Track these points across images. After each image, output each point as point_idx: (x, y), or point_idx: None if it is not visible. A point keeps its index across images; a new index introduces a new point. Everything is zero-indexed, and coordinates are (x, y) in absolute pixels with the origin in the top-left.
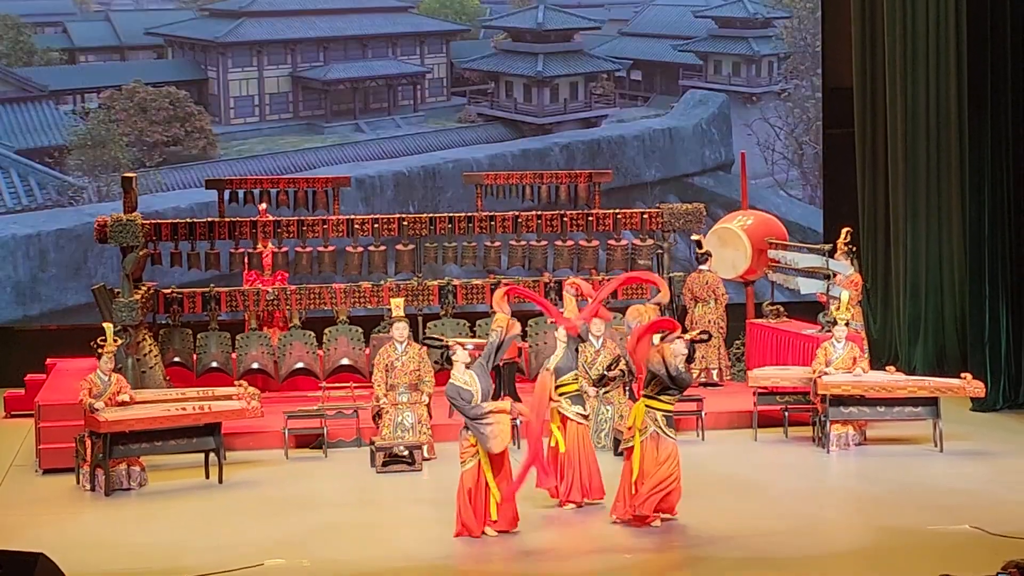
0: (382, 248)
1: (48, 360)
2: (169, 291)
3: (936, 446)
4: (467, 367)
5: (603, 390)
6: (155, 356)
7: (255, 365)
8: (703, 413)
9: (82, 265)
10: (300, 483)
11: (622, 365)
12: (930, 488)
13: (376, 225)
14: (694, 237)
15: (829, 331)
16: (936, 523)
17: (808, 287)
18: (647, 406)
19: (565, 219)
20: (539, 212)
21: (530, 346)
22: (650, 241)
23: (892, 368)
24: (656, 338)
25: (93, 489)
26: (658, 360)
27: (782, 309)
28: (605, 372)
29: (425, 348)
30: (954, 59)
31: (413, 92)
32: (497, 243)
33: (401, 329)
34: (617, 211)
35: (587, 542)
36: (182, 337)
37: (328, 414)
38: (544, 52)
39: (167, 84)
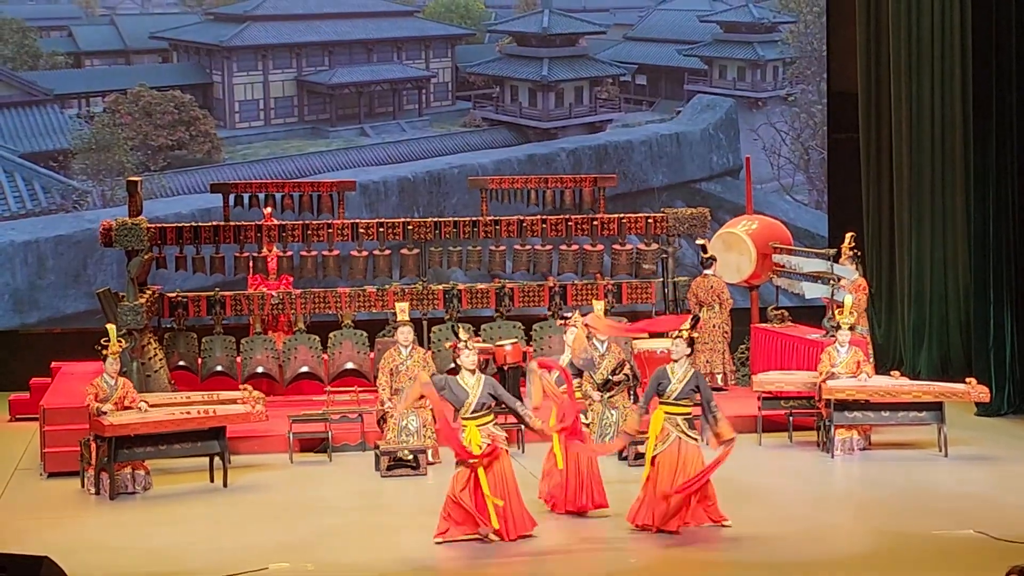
0: (387, 252)
1: (53, 364)
2: (174, 295)
3: (940, 451)
4: (473, 372)
5: (608, 394)
6: (160, 360)
7: (260, 369)
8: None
9: (81, 272)
10: (305, 487)
11: (627, 369)
12: (934, 493)
13: (381, 229)
14: (699, 241)
15: (833, 335)
16: (940, 528)
17: (813, 292)
18: (667, 413)
19: (570, 223)
20: (544, 216)
21: (535, 351)
22: (655, 245)
23: (897, 373)
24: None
25: (98, 493)
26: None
27: (786, 314)
28: (610, 376)
29: (430, 352)
30: (959, 64)
31: (418, 96)
32: (502, 247)
33: (406, 333)
34: (622, 215)
35: (592, 545)
36: (187, 341)
37: (333, 418)
38: (549, 56)
39: (172, 88)
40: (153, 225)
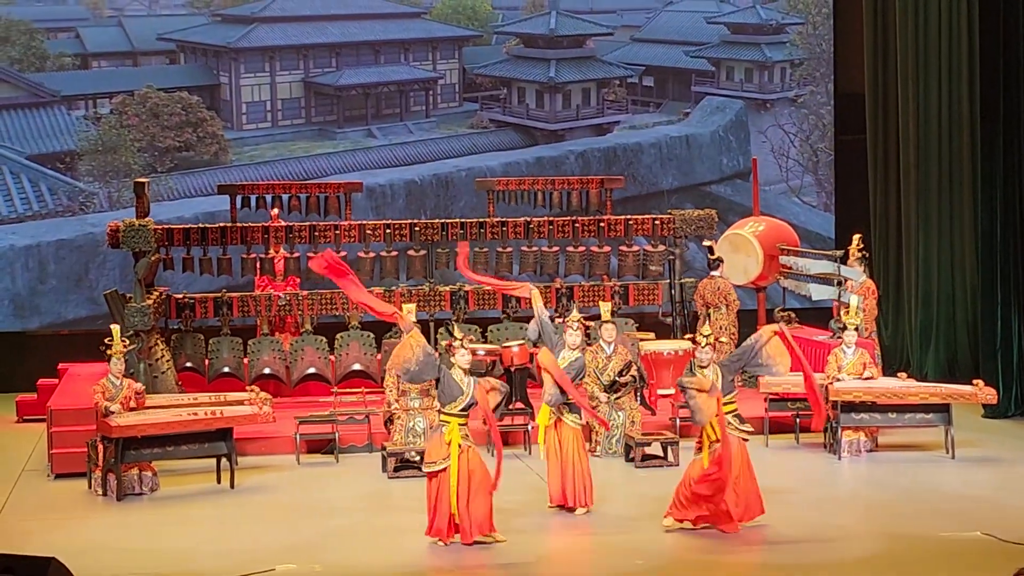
0: (394, 254)
1: (60, 365)
2: (181, 296)
3: (948, 453)
4: (466, 372)
5: (614, 396)
6: (167, 361)
7: (267, 370)
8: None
9: (83, 277)
10: (312, 488)
11: (633, 371)
12: (941, 495)
13: (388, 231)
14: (706, 243)
15: (840, 337)
16: (947, 530)
17: (820, 293)
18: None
19: (577, 225)
20: (551, 218)
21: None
22: (662, 247)
23: (904, 375)
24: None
25: (105, 494)
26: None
27: (793, 315)
28: (617, 378)
29: (436, 353)
30: (966, 65)
31: (425, 98)
32: (509, 249)
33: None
34: (629, 217)
35: (599, 547)
36: (194, 342)
37: (340, 419)
38: (556, 58)
39: (179, 89)
40: (160, 226)
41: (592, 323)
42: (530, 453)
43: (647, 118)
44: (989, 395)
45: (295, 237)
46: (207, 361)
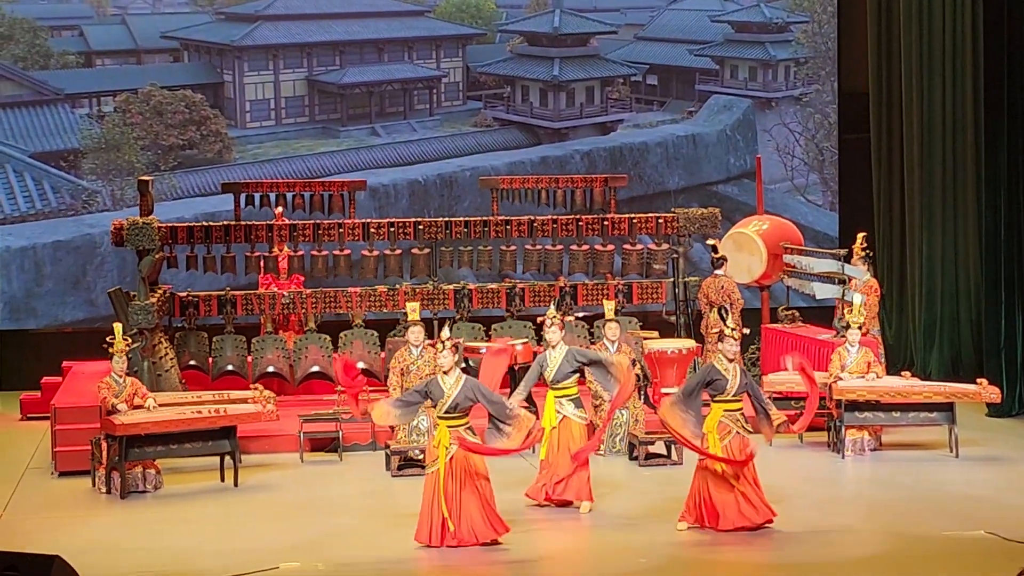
0: (398, 252)
1: (64, 363)
2: (185, 294)
3: (951, 452)
4: (447, 372)
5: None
6: (171, 359)
7: (271, 369)
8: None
9: (81, 279)
10: (315, 487)
11: (637, 369)
12: (945, 494)
13: (392, 229)
14: (709, 242)
15: (844, 336)
16: (951, 529)
17: (824, 292)
18: (726, 411)
19: (581, 223)
20: (555, 217)
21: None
22: (665, 245)
23: (907, 373)
24: None
25: (109, 492)
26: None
27: (797, 314)
28: None
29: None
30: (970, 63)
31: (429, 96)
32: (513, 247)
33: (416, 333)
34: (633, 215)
35: (602, 545)
36: (198, 340)
37: (343, 418)
38: (560, 56)
39: (183, 88)
40: (164, 224)
41: (596, 321)
42: (533, 451)
43: (651, 117)
44: (993, 394)
45: (299, 235)
46: (211, 359)
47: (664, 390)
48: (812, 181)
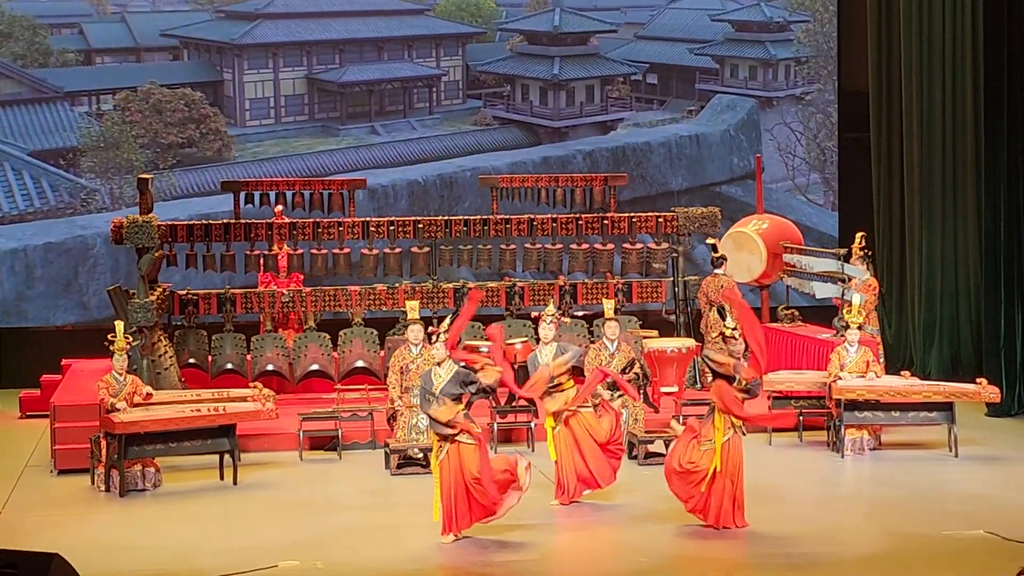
0: (397, 251)
1: (63, 361)
2: (184, 292)
3: (951, 451)
4: (440, 364)
5: (618, 393)
6: (170, 357)
7: (270, 367)
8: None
9: (72, 281)
10: (314, 485)
11: (637, 368)
12: (945, 493)
13: (391, 228)
14: (709, 241)
15: (843, 335)
16: (951, 528)
17: (824, 291)
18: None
19: (580, 222)
20: (554, 216)
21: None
22: (665, 244)
23: (907, 373)
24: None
25: (108, 490)
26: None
27: (797, 313)
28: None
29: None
30: (970, 63)
31: (429, 95)
32: (512, 246)
33: (416, 331)
34: (632, 214)
35: (602, 544)
36: (197, 338)
37: (343, 416)
38: (560, 55)
39: (182, 86)
40: (164, 223)
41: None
42: (533, 450)
43: (651, 116)
44: (992, 393)
45: (299, 234)
46: (210, 357)
47: (664, 389)
48: (813, 180)
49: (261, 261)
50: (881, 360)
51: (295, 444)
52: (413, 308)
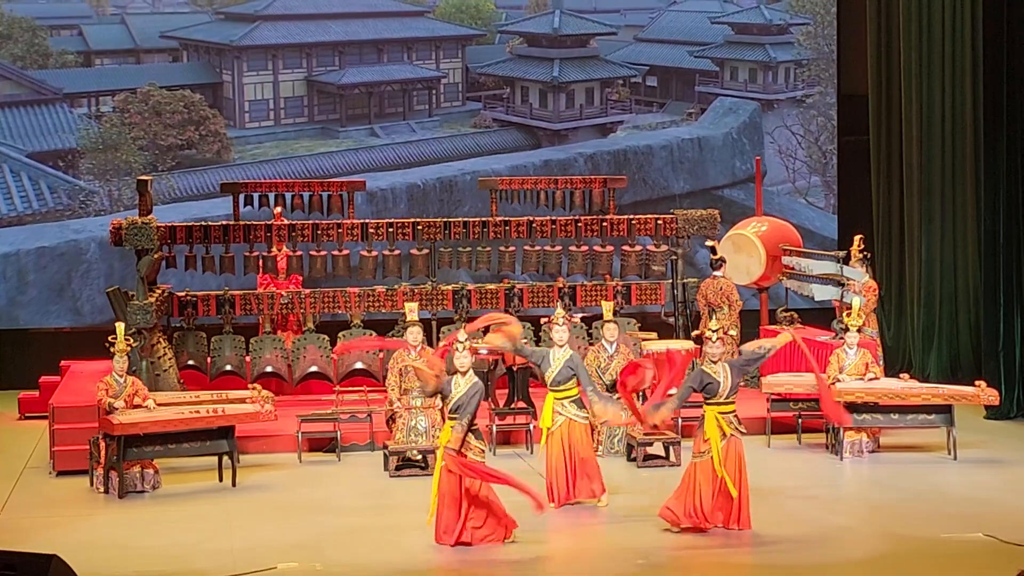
0: (396, 252)
1: (62, 362)
2: (184, 294)
3: (950, 454)
4: (464, 374)
5: (617, 395)
6: (169, 359)
7: (269, 369)
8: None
9: (66, 286)
10: (313, 487)
11: None
12: (944, 496)
13: (390, 229)
14: (708, 243)
15: (842, 338)
16: (949, 531)
17: (823, 294)
18: (720, 413)
19: (580, 224)
20: (553, 218)
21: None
22: (664, 247)
23: (906, 375)
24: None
25: (107, 491)
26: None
27: (796, 316)
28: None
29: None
30: (970, 66)
31: (428, 97)
32: (511, 248)
33: (415, 333)
34: (632, 216)
35: (600, 546)
36: (196, 340)
37: (342, 418)
38: (560, 57)
39: (182, 87)
40: (163, 224)
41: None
42: (532, 452)
43: (651, 118)
44: (991, 396)
45: (298, 235)
46: (209, 359)
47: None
48: (813, 183)
49: (260, 263)
50: (880, 362)
51: (294, 446)
52: (412, 310)
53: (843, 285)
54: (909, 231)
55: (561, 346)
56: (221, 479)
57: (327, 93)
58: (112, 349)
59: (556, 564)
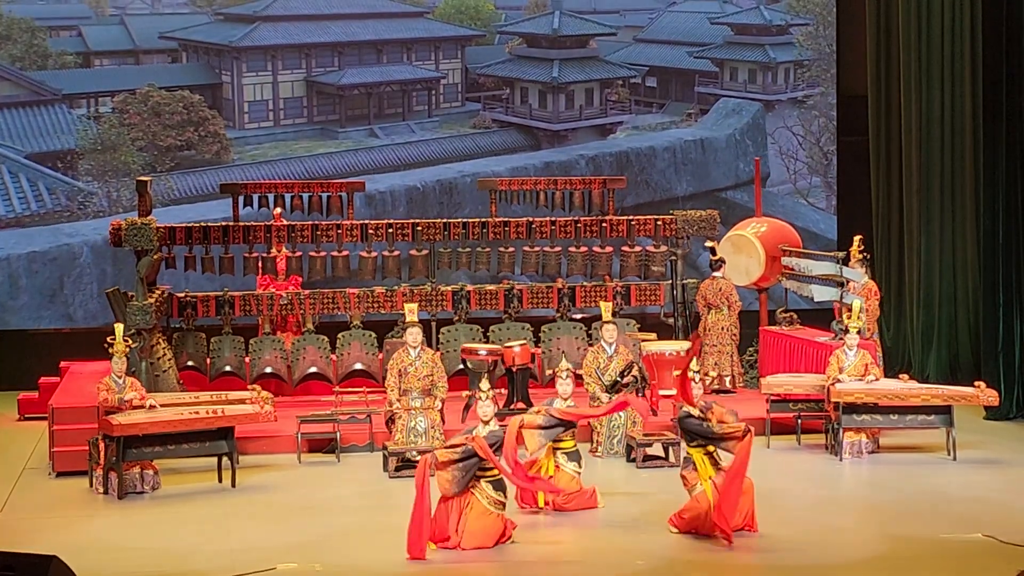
0: (396, 253)
1: (62, 363)
2: (183, 295)
3: (949, 455)
4: (487, 423)
5: (616, 396)
6: (169, 360)
7: (268, 369)
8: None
9: (58, 292)
10: (313, 487)
11: (635, 371)
12: (943, 497)
13: (390, 230)
14: (707, 244)
15: (842, 339)
16: (949, 532)
17: (822, 295)
18: (705, 454)
19: (579, 225)
20: (553, 219)
21: (543, 352)
22: (663, 248)
23: (905, 376)
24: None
25: (106, 492)
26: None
27: (795, 316)
28: (618, 379)
29: (439, 353)
30: (969, 67)
31: (428, 98)
32: (511, 249)
33: (414, 334)
34: (631, 217)
35: (600, 547)
36: (196, 341)
37: (341, 419)
38: (559, 58)
39: (181, 88)
40: (163, 225)
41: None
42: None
43: (650, 119)
44: (991, 397)
45: (297, 236)
46: (209, 360)
47: (662, 392)
48: (814, 184)
49: (259, 264)
50: (879, 363)
51: (293, 446)
52: (412, 311)
53: (842, 286)
54: (908, 232)
55: (565, 399)
56: (221, 480)
57: (326, 94)
58: (111, 350)
59: (555, 565)
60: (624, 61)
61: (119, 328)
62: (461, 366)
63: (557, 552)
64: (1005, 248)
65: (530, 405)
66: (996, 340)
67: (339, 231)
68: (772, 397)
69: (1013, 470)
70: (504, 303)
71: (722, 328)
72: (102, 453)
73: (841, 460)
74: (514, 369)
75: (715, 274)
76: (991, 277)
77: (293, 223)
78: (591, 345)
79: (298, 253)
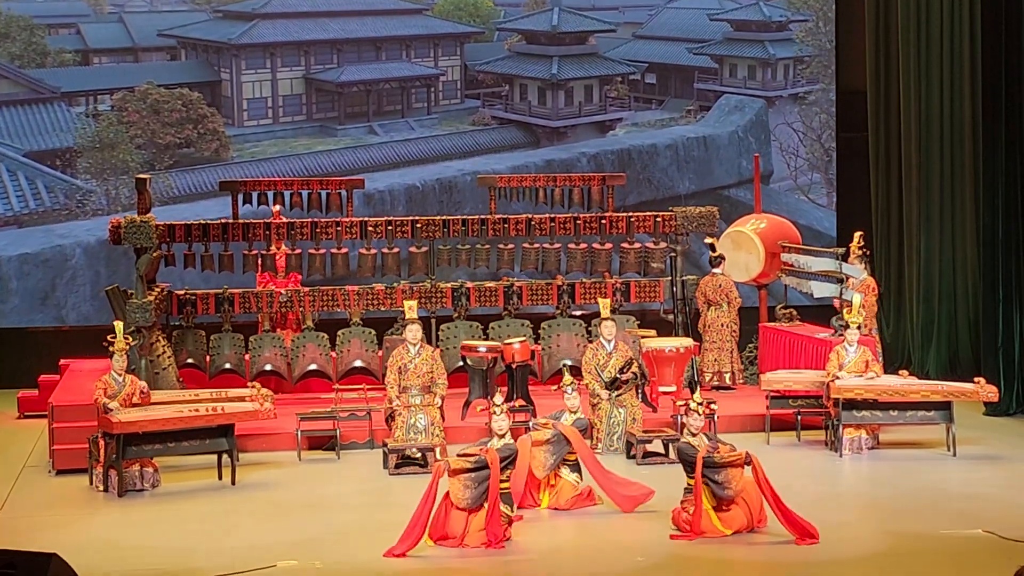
0: (395, 250)
1: (62, 361)
2: (183, 292)
3: (949, 450)
4: (501, 437)
5: (615, 393)
6: (168, 357)
7: (268, 367)
8: (716, 416)
9: (50, 294)
10: (313, 485)
11: (635, 368)
12: (943, 493)
13: (389, 228)
14: (707, 240)
15: (842, 335)
16: (949, 528)
17: (822, 291)
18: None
19: (578, 222)
20: (552, 215)
21: (543, 348)
22: (663, 244)
23: (905, 372)
24: None
25: (106, 490)
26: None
27: (795, 313)
28: (618, 375)
29: (439, 350)
30: (969, 63)
31: (427, 95)
32: (510, 246)
33: (414, 331)
34: (631, 214)
35: (599, 544)
36: (195, 338)
37: (341, 416)
38: (559, 55)
39: (180, 86)
40: (162, 223)
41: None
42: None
43: (650, 115)
44: (991, 393)
45: (296, 233)
46: (208, 357)
47: (662, 388)
48: (815, 180)
49: (259, 261)
50: (879, 359)
51: (293, 444)
52: (411, 308)
53: (842, 282)
54: (908, 228)
55: (574, 412)
56: (220, 477)
57: (325, 91)
58: (111, 348)
59: (555, 562)
60: (623, 58)
61: (119, 326)
62: (461, 363)
63: (556, 549)
64: (1005, 244)
65: (530, 402)
66: (996, 336)
67: (338, 228)
68: (772, 393)
69: (1013, 466)
70: (504, 300)
71: (722, 324)
72: (102, 451)
73: (841, 456)
74: (514, 366)
75: (715, 270)
76: (991, 273)
77: (292, 220)
78: (590, 342)
79: (297, 250)
